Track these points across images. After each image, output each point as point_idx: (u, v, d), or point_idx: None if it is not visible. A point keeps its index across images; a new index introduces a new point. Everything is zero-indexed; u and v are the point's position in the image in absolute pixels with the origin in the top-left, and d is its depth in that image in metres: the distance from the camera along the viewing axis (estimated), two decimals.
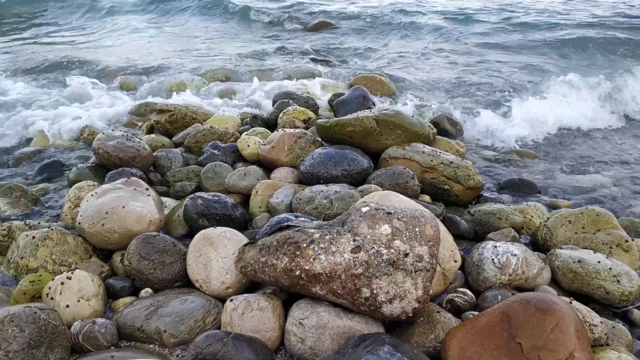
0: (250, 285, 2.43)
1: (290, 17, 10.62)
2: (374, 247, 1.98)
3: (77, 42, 9.15)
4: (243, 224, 3.02)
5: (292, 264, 2.02)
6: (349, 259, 1.97)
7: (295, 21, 10.45)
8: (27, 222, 3.02)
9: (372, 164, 3.35)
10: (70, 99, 5.81)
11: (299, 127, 4.27)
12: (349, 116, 3.60)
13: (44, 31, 10.18)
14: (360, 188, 2.97)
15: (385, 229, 2.02)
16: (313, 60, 7.78)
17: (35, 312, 1.81)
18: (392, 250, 1.97)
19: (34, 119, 5.08)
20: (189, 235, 2.90)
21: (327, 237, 2.06)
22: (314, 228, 2.15)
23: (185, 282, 2.51)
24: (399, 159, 3.36)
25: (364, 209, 2.12)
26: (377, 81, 6.02)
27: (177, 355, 2.02)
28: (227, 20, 10.93)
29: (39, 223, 3.09)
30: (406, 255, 1.97)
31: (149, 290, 2.46)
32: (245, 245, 2.23)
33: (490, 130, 4.93)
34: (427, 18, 10.27)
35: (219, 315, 2.19)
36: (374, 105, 4.93)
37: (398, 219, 2.05)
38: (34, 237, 2.68)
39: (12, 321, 1.74)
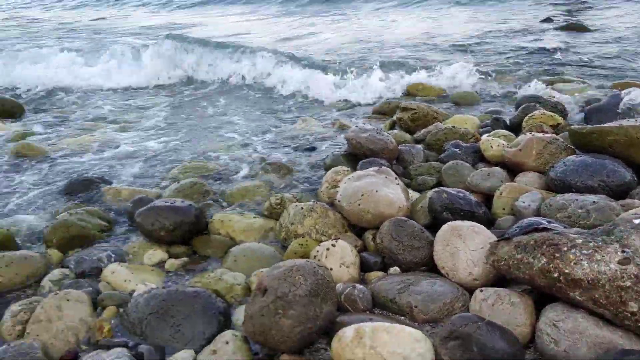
0: (495, 281, 2.47)
1: None
2: None
3: None
4: (485, 223, 3.05)
5: (551, 265, 2.02)
6: (616, 270, 1.89)
7: None
8: (294, 196, 3.51)
9: (635, 178, 3.08)
10: None
11: (547, 132, 4.11)
12: (610, 124, 3.36)
13: None
14: (621, 202, 2.77)
15: None
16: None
17: (315, 267, 2.14)
18: None
19: None
20: (432, 225, 3.04)
21: (590, 244, 2.00)
22: (574, 234, 2.11)
23: (430, 268, 2.66)
24: None
25: (637, 221, 2.00)
26: None
27: (427, 331, 2.18)
28: None
29: (301, 197, 3.57)
30: None
31: (397, 269, 2.67)
32: (499, 240, 2.28)
33: None
34: None
35: (467, 303, 2.29)
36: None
37: None
38: (302, 208, 3.12)
39: (299, 270, 2.09)
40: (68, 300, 2.46)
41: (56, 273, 2.89)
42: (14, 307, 2.52)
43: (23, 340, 2.29)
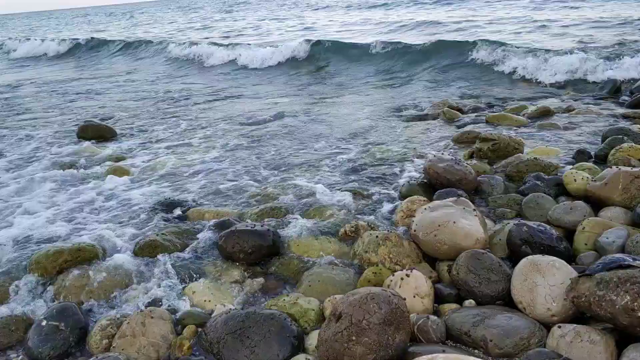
0: (574, 318, 2.38)
1: None
2: None
3: None
4: (565, 258, 2.94)
5: (635, 303, 1.93)
6: None
7: None
8: (369, 223, 3.55)
9: None
10: None
11: (635, 166, 3.92)
12: None
13: None
14: None
15: None
16: None
17: (389, 296, 2.16)
18: None
19: None
20: (508, 258, 2.99)
21: None
22: None
23: (506, 302, 2.60)
24: None
25: None
26: None
27: None
28: None
29: (374, 225, 3.59)
30: None
31: (472, 301, 2.63)
32: (580, 276, 2.21)
33: None
34: None
35: (543, 339, 2.22)
36: None
37: None
38: (377, 237, 3.15)
39: (373, 299, 2.12)
40: (152, 317, 2.61)
41: (141, 288, 3.09)
42: (103, 321, 2.70)
43: (109, 353, 2.45)
